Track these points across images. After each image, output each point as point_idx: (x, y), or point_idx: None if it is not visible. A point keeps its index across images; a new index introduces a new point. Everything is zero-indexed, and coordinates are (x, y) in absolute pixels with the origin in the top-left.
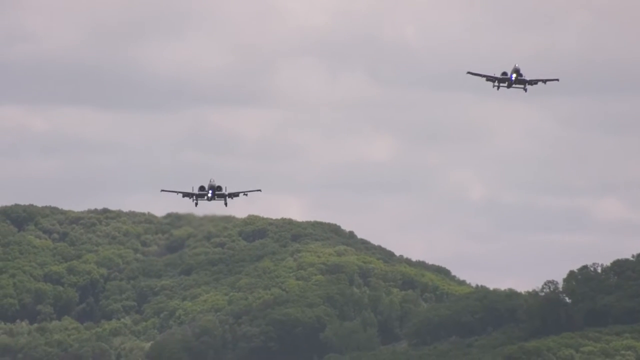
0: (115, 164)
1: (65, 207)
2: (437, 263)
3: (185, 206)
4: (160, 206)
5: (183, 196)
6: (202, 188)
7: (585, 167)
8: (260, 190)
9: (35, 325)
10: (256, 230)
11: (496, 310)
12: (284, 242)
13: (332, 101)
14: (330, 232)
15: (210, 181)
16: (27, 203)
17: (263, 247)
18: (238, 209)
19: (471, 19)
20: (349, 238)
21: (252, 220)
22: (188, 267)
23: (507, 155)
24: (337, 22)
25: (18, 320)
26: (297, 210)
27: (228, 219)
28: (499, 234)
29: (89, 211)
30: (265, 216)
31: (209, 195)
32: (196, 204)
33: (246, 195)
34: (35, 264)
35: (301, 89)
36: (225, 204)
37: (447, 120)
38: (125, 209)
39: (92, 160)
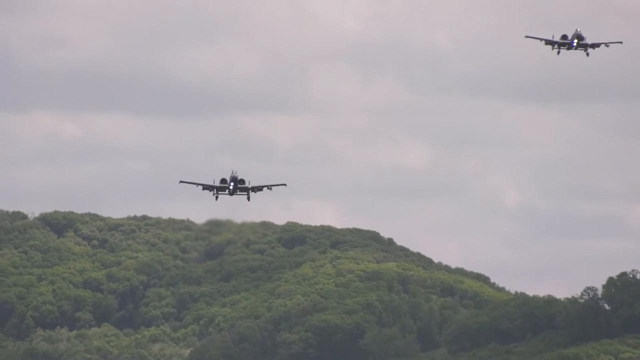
0: (151, 171)
1: (105, 214)
2: (475, 269)
3: (225, 212)
4: (200, 212)
5: (203, 189)
6: (223, 181)
7: (619, 172)
8: (285, 184)
9: (75, 332)
10: (295, 236)
11: (535, 317)
12: (323, 249)
13: (365, 107)
14: (369, 239)
15: (232, 173)
16: (66, 210)
17: (302, 253)
18: (276, 215)
19: (504, 23)
20: (388, 245)
21: (291, 227)
22: (227, 273)
23: (541, 160)
24: (370, 28)
25: (58, 327)
26: (334, 217)
27: (267, 225)
28: (535, 240)
29: (129, 218)
30: (304, 223)
31: (231, 188)
32: (216, 197)
33: (270, 189)
34: (75, 271)
35: (334, 94)
36: (248, 198)
37: (481, 126)
38: (164, 216)
39: (128, 167)
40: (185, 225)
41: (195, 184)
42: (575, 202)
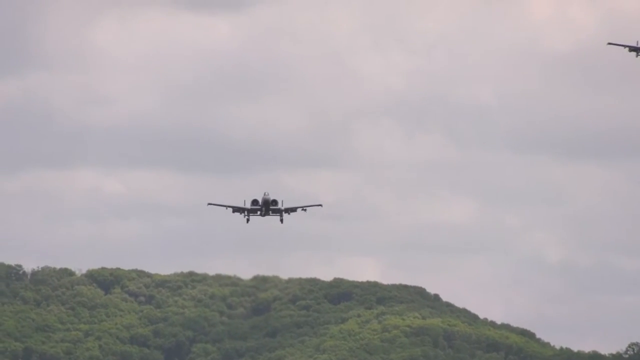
0: (196, 227)
1: (151, 270)
2: (520, 325)
3: (271, 269)
4: (246, 268)
5: (233, 211)
6: (254, 202)
7: None
8: (321, 205)
9: None
10: (341, 292)
11: None
12: (369, 305)
13: (408, 163)
14: (415, 295)
15: (265, 194)
16: (113, 266)
17: (348, 309)
18: (323, 272)
19: (549, 79)
20: (434, 301)
21: (337, 283)
22: (273, 329)
23: (584, 216)
24: (413, 84)
25: None
26: (379, 272)
27: (314, 281)
28: (578, 295)
29: (175, 274)
30: (350, 279)
31: (263, 210)
32: (248, 219)
33: (305, 210)
34: (121, 327)
35: (378, 150)
36: (281, 220)
37: (525, 182)
38: (211, 272)
39: (173, 223)
40: (232, 281)
41: (224, 206)
42: (617, 257)
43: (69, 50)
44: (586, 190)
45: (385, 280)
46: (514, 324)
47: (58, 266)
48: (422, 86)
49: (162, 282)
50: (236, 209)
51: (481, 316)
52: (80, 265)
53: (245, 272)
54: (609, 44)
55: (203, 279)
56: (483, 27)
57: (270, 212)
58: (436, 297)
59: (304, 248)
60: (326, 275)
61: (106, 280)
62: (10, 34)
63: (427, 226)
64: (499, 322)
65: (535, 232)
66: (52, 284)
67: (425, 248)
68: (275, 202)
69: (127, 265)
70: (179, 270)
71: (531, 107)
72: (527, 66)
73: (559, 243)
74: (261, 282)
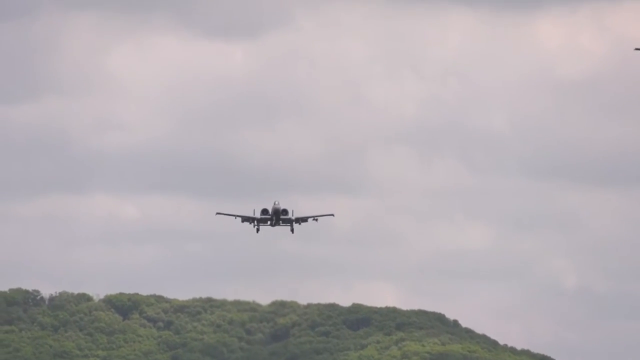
0: (213, 252)
1: (170, 296)
2: (540, 351)
3: (290, 294)
4: (265, 294)
5: (242, 221)
6: (264, 211)
7: None
8: (333, 214)
9: None
10: (360, 318)
11: None
12: (388, 331)
13: (424, 188)
14: (435, 321)
15: (275, 204)
16: (131, 292)
17: (367, 335)
18: (341, 297)
19: (562, 105)
20: (454, 327)
21: (356, 308)
22: (292, 355)
23: (602, 242)
24: (427, 111)
25: None
26: (398, 298)
27: (333, 307)
28: (597, 321)
29: (194, 300)
30: (369, 304)
31: (273, 219)
32: (257, 229)
33: (316, 220)
34: (140, 353)
35: (393, 176)
36: (292, 230)
37: (541, 208)
38: (229, 297)
39: (190, 248)
40: (251, 307)
41: (233, 215)
42: (635, 283)
43: (86, 77)
44: (602, 216)
45: (404, 306)
46: (534, 349)
47: (76, 291)
48: (436, 113)
49: (181, 308)
50: (245, 219)
51: (501, 342)
52: (98, 291)
53: (264, 297)
54: (636, 49)
55: (222, 304)
56: (495, 54)
57: (281, 221)
58: (455, 323)
59: (320, 273)
60: (345, 300)
61: (124, 305)
62: (27, 61)
63: (444, 252)
64: (518, 347)
65: (552, 257)
66: (70, 309)
67: (442, 273)
68: (285, 211)
69: (144, 290)
70: (197, 296)
71: (545, 133)
72: (540, 93)
73: (576, 269)
74: (280, 307)
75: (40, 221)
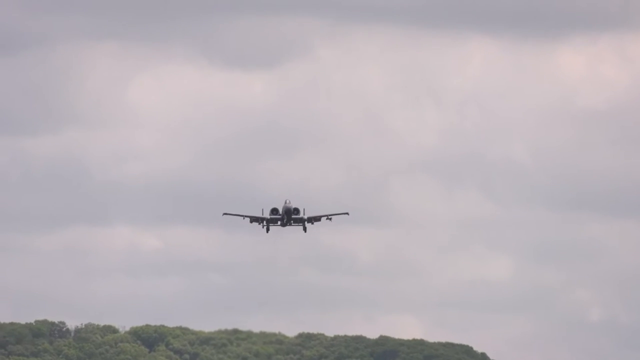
0: (236, 283)
1: (196, 327)
2: None
3: (317, 326)
4: (291, 326)
5: (251, 221)
6: (274, 211)
7: None
8: (347, 213)
9: None
10: (387, 350)
11: None
12: None
13: (446, 219)
14: (462, 353)
15: (286, 202)
16: (157, 323)
17: None
18: (367, 329)
19: (584, 135)
20: (482, 359)
21: (383, 340)
22: None
23: (625, 273)
24: (447, 140)
25: None
26: (423, 330)
27: (359, 339)
28: (621, 354)
29: (220, 331)
30: (396, 337)
31: (284, 220)
32: (267, 229)
33: (330, 219)
34: None
35: (414, 207)
36: (304, 229)
37: (564, 238)
38: (254, 329)
39: (212, 279)
40: (277, 339)
41: (241, 215)
42: None
43: (105, 108)
44: (625, 247)
45: (430, 338)
46: None
47: (101, 323)
48: (456, 143)
49: (207, 340)
50: (254, 219)
51: None
52: (123, 322)
53: (289, 329)
54: None
55: (247, 336)
56: (516, 84)
57: (292, 221)
58: (484, 356)
59: (344, 305)
60: (371, 332)
61: (150, 337)
62: (46, 91)
63: (467, 283)
64: None
65: (576, 290)
66: (95, 341)
67: (467, 306)
68: (297, 210)
69: (170, 322)
70: (222, 327)
71: (567, 163)
72: (562, 123)
73: (602, 301)
74: (306, 339)
75: (62, 252)
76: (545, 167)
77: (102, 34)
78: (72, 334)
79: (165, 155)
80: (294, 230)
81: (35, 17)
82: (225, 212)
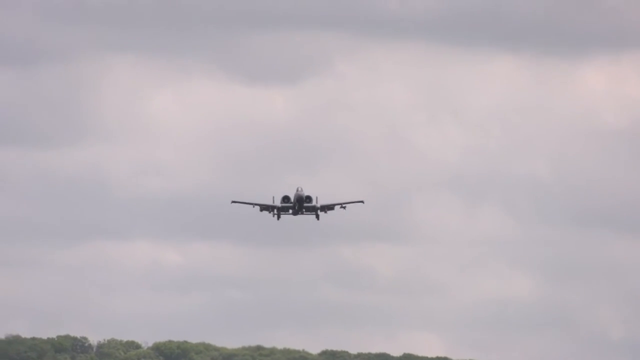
0: (256, 299)
1: (219, 344)
2: None
3: (340, 343)
4: (314, 342)
5: (261, 209)
6: (286, 199)
7: None
8: (362, 201)
9: None
10: None
11: None
12: None
13: (468, 237)
14: None
15: (298, 190)
16: (180, 339)
17: None
18: (391, 347)
19: (606, 154)
20: None
21: (407, 358)
22: None
23: None
24: (469, 157)
25: None
26: (444, 348)
27: (384, 356)
28: None
29: (243, 348)
30: (420, 354)
31: (296, 208)
32: (278, 217)
33: (344, 207)
34: None
35: (436, 224)
36: (317, 217)
37: (586, 257)
38: (278, 345)
39: (235, 295)
40: (301, 355)
41: (251, 204)
42: None
43: (126, 122)
44: None
45: (454, 356)
46: None
47: (124, 339)
48: (478, 160)
49: (230, 356)
50: (264, 207)
51: None
52: (146, 338)
53: (313, 345)
54: None
55: (271, 352)
56: (539, 102)
57: (304, 209)
58: None
59: (368, 322)
60: (394, 350)
61: (173, 353)
62: (67, 106)
63: (490, 302)
64: None
65: (599, 308)
66: (118, 357)
67: (490, 323)
68: (310, 198)
69: (192, 338)
70: (246, 344)
71: (589, 181)
72: (584, 141)
73: (625, 320)
74: (330, 356)
75: (84, 268)
76: (568, 185)
77: (122, 48)
78: (95, 350)
79: (186, 170)
80: (307, 220)
81: (55, 30)
82: (234, 200)
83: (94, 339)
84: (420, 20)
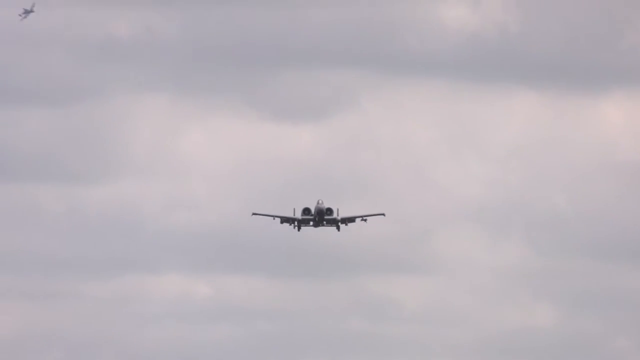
0: (288, 332)
1: None
2: None
3: None
4: None
5: (281, 222)
6: (306, 211)
7: None
8: (384, 214)
9: None
10: None
11: None
12: None
13: (490, 269)
14: None
15: (318, 203)
16: None
17: None
18: None
19: (626, 188)
20: None
21: None
22: None
23: None
24: (491, 192)
25: None
26: None
27: None
28: None
29: None
30: None
31: (316, 220)
32: (298, 228)
33: (365, 220)
34: None
35: (459, 257)
36: (338, 229)
37: (607, 289)
38: None
39: (264, 328)
40: None
41: (271, 216)
42: None
43: (157, 158)
44: None
45: None
46: None
47: None
48: (501, 195)
49: None
50: (285, 220)
51: None
52: None
53: None
54: None
55: None
56: (559, 136)
57: (325, 222)
58: None
59: (392, 352)
60: None
61: None
62: (98, 142)
63: (514, 332)
64: None
65: (621, 340)
66: None
67: (514, 354)
68: (330, 210)
69: None
70: None
71: (609, 215)
72: (604, 175)
73: None
74: None
75: (115, 300)
76: (588, 219)
77: (154, 86)
78: None
79: (215, 205)
80: (328, 231)
81: (87, 69)
82: (254, 212)
83: None
84: (445, 57)
